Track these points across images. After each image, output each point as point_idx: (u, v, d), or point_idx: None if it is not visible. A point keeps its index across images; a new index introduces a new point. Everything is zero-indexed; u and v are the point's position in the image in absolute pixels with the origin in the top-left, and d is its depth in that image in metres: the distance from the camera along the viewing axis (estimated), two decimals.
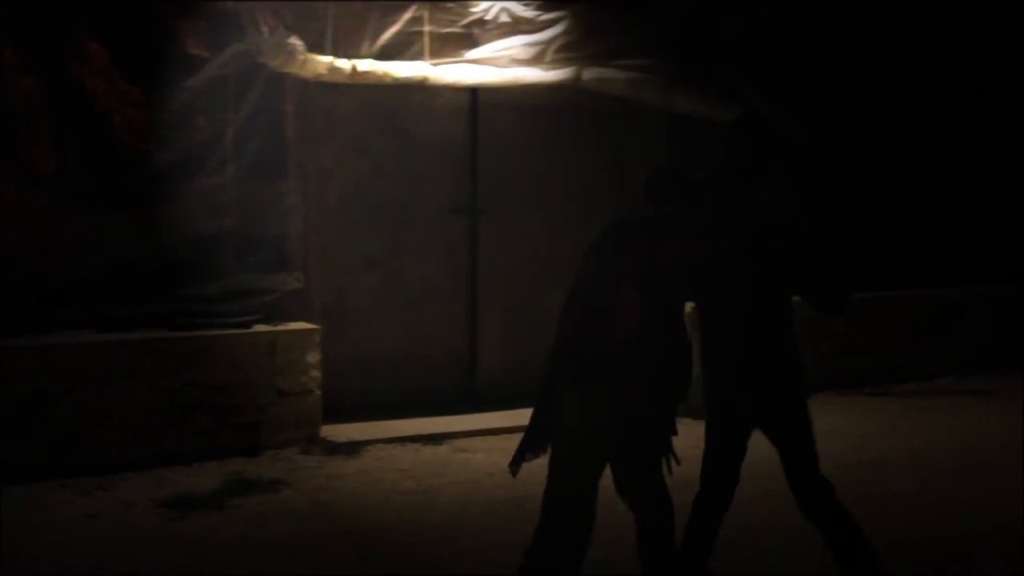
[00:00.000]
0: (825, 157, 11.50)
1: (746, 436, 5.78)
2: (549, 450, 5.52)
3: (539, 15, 9.82)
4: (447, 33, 9.52)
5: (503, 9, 9.67)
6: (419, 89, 9.64)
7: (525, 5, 9.78)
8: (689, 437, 5.90)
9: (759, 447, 5.78)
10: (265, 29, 8.73)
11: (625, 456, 5.44)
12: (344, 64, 9.05)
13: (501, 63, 9.66)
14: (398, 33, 9.31)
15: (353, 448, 8.90)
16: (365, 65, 9.13)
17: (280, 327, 8.98)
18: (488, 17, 9.63)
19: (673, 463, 5.46)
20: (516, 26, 9.74)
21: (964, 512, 7.64)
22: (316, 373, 8.97)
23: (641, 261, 5.37)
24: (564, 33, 9.85)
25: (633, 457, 5.45)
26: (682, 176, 5.60)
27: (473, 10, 9.60)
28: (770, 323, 5.71)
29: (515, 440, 9.06)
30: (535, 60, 9.78)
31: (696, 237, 5.51)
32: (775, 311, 5.74)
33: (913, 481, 8.34)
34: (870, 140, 12.02)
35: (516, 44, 9.72)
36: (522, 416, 9.64)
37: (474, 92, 10.11)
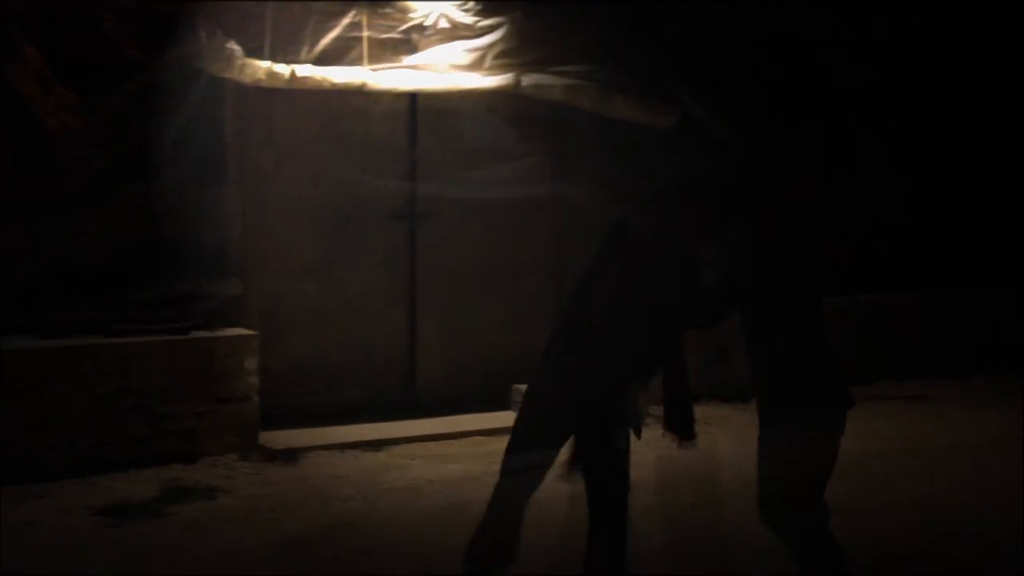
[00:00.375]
0: (762, 163, 11.54)
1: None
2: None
3: (478, 21, 9.83)
4: (386, 38, 9.52)
5: (442, 15, 9.67)
6: (358, 94, 9.63)
7: (464, 11, 9.79)
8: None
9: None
10: (203, 34, 8.70)
11: (582, 430, 5.52)
12: (283, 69, 9.02)
13: (440, 69, 9.67)
14: (337, 38, 9.29)
15: (292, 455, 8.87)
16: (304, 70, 9.10)
17: (218, 333, 8.94)
18: (427, 23, 9.63)
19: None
20: (455, 32, 9.74)
21: (895, 515, 7.72)
22: (254, 379, 8.93)
23: (619, 244, 5.49)
24: (503, 39, 9.87)
25: (589, 432, 5.53)
26: (707, 190, 5.65)
27: (412, 16, 9.60)
28: (808, 329, 5.67)
29: (455, 446, 9.20)
30: (474, 66, 9.79)
31: (675, 227, 5.55)
32: (811, 316, 5.69)
33: (846, 486, 8.38)
34: (806, 146, 12.08)
35: (455, 50, 9.73)
36: (461, 422, 9.79)
37: (413, 98, 10.10)
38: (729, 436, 9.40)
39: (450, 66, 9.69)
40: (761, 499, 5.66)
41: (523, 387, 9.61)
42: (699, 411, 9.90)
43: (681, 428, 5.66)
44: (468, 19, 9.79)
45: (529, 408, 5.60)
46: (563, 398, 5.43)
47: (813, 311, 5.64)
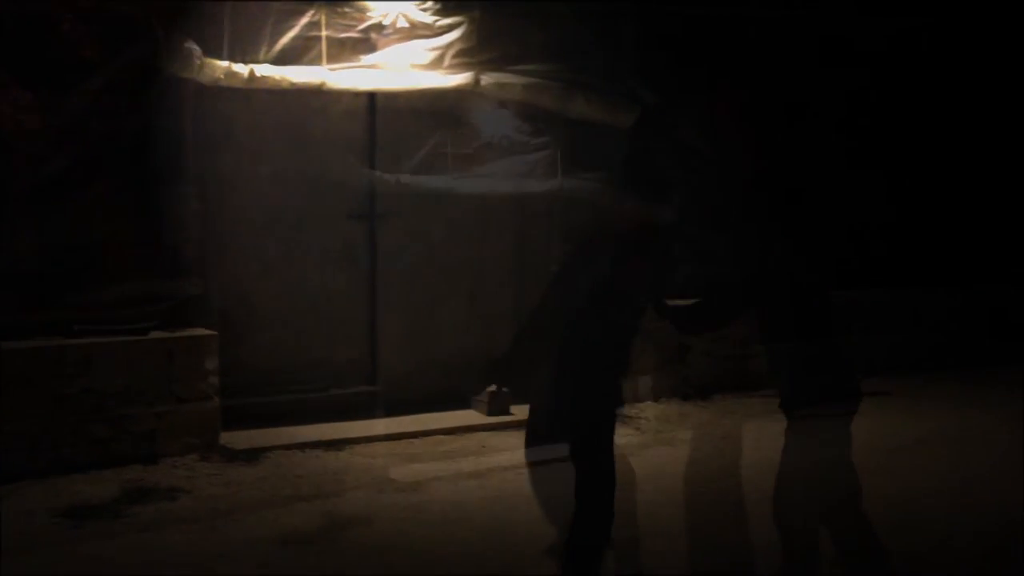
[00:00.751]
0: (726, 162, 11.57)
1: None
2: None
3: (437, 20, 9.84)
4: (345, 38, 9.53)
5: (401, 14, 9.68)
6: (317, 94, 9.62)
7: (423, 10, 9.80)
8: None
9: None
10: (161, 33, 8.67)
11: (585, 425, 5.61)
12: (241, 69, 9.02)
13: (399, 68, 9.67)
14: (296, 38, 9.29)
15: (253, 455, 8.85)
16: (263, 70, 9.10)
17: (178, 333, 8.91)
18: (386, 22, 9.64)
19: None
20: (414, 31, 9.76)
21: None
22: (214, 380, 8.91)
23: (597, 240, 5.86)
24: (462, 38, 9.89)
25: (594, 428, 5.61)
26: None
27: (371, 15, 9.61)
28: (820, 323, 5.72)
29: (417, 445, 9.20)
30: (433, 65, 9.80)
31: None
32: (822, 309, 5.75)
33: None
34: (770, 145, 12.12)
35: (414, 49, 9.74)
36: (423, 421, 9.79)
37: (372, 97, 10.09)
38: (688, 433, 9.44)
39: (409, 65, 9.70)
40: (776, 494, 5.77)
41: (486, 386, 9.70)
42: (660, 408, 10.04)
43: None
44: (427, 18, 9.81)
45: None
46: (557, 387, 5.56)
47: (822, 309, 5.73)
